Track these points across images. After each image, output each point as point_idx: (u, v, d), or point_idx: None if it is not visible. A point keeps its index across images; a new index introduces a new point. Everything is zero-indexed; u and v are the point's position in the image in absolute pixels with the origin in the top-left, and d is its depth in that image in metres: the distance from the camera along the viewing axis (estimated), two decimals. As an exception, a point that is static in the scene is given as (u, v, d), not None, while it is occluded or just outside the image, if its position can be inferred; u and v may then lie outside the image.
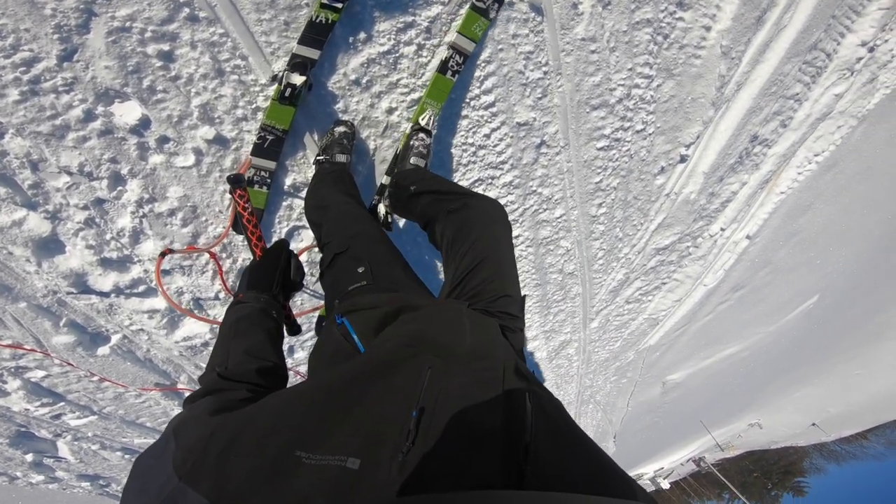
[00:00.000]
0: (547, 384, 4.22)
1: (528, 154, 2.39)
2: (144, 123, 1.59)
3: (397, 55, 1.78)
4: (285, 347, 2.52)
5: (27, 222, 1.66)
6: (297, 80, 1.51)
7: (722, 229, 3.71)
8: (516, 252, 2.88)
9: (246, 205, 1.10)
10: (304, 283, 1.26)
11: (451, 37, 1.80)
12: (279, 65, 1.61)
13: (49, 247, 1.76)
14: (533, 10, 1.92)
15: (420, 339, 0.64)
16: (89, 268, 1.86)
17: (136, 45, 1.47)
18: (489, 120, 2.16)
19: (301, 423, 0.48)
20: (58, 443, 2.60)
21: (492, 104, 2.10)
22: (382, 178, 2.00)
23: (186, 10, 1.46)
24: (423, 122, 1.81)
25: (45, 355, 1.99)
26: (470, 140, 2.18)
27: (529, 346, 3.64)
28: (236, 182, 1.07)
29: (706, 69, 2.50)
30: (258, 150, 1.75)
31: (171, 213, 1.83)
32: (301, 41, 1.54)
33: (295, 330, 1.15)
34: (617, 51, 2.22)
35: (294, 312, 1.21)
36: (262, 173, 1.83)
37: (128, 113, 1.55)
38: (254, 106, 1.69)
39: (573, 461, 0.51)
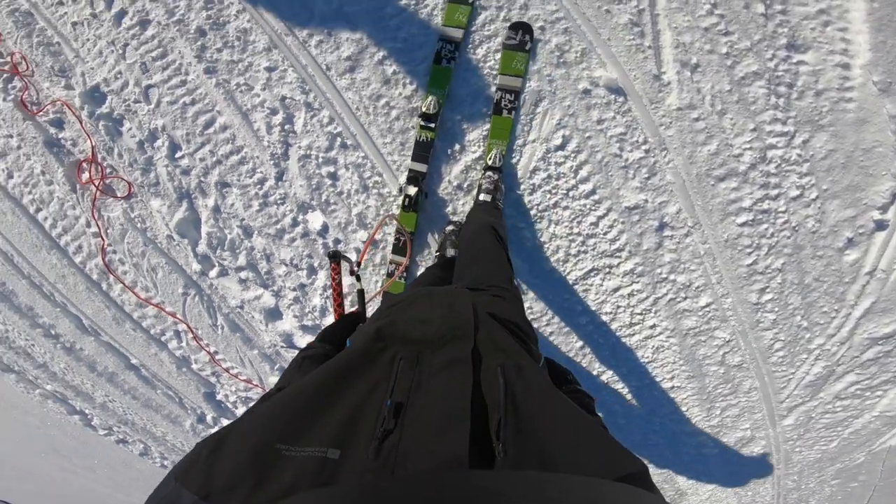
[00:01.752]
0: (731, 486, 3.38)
1: (647, 239, 2.24)
2: (325, 229, 2.34)
3: (488, 159, 2.14)
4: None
5: (262, 298, 2.57)
6: (412, 190, 2.01)
7: None
8: (655, 342, 2.62)
9: (336, 276, 1.28)
10: None
11: (496, 80, 1.96)
12: (402, 178, 2.16)
13: (273, 315, 2.63)
14: (612, 92, 1.97)
15: (389, 333, 0.68)
16: (295, 331, 2.67)
17: (315, 168, 2.20)
18: (593, 208, 2.16)
19: (282, 420, 0.52)
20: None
21: (592, 192, 2.12)
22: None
23: (339, 139, 2.12)
24: (490, 162, 2.03)
25: (263, 391, 2.85)
26: (576, 230, 2.20)
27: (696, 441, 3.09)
28: (333, 257, 1.27)
29: (868, 112, 2.08)
30: (396, 249, 2.27)
31: (346, 295, 2.52)
32: (413, 158, 2.02)
33: None
34: (728, 113, 2.05)
35: None
36: (399, 267, 2.33)
37: (315, 220, 2.32)
38: (390, 213, 2.27)
39: (550, 435, 0.52)
